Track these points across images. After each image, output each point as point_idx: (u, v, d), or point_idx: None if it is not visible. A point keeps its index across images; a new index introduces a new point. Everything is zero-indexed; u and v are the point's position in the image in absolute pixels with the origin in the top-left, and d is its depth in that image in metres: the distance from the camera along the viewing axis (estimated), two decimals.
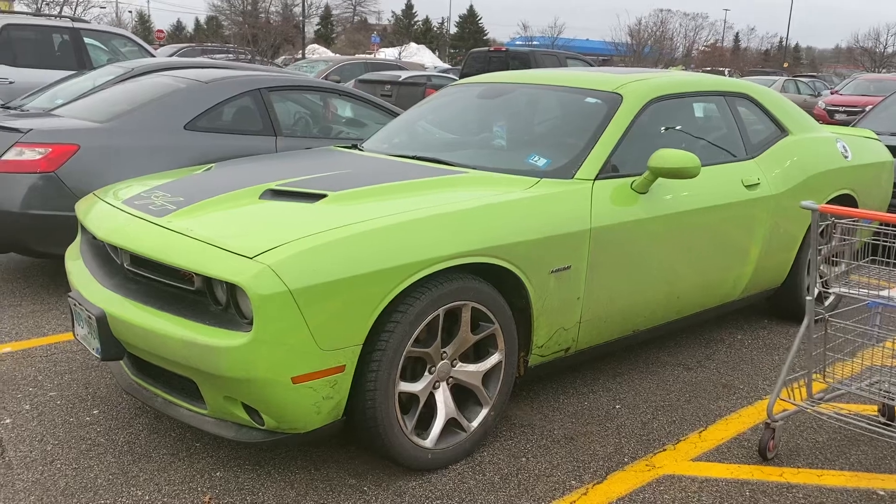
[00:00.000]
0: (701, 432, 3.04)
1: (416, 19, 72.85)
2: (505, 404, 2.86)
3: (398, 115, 5.71)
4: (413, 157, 3.40)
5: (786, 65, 58.22)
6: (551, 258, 2.82)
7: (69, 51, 8.93)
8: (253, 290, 2.18)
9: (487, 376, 2.79)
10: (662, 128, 3.47)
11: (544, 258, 2.80)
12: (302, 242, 2.31)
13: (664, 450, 2.89)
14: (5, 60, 8.37)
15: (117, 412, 3.03)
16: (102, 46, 9.59)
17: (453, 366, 2.69)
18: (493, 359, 2.78)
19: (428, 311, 2.50)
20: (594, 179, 3.06)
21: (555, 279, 2.85)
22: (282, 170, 3.21)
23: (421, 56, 38.15)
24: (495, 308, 2.70)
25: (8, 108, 6.23)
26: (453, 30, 71.97)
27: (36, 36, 8.72)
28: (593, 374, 3.56)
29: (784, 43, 75.46)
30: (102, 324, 2.53)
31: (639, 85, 3.45)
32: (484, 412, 2.78)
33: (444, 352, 2.64)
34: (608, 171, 3.13)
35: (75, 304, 2.69)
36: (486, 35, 70.60)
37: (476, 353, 2.78)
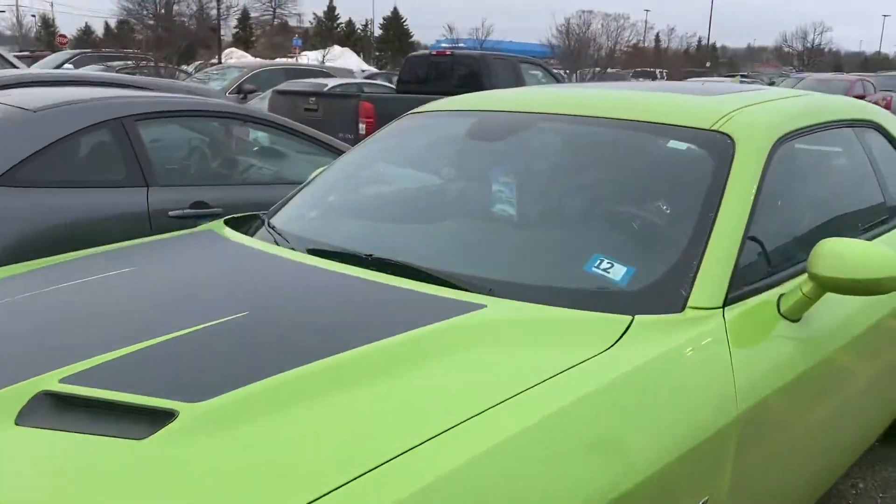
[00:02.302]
0: None
1: (338, 21, 70.53)
2: None
3: (327, 144, 4.15)
4: (367, 259, 1.84)
5: (708, 64, 58.40)
6: (678, 496, 1.34)
7: None
8: None
9: None
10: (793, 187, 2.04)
11: (667, 499, 1.32)
12: None
13: None
14: None
15: None
16: None
17: None
18: None
19: None
20: (723, 307, 1.60)
21: None
22: (89, 315, 1.57)
23: (346, 59, 36.25)
24: None
25: None
26: (378, 32, 70.10)
27: None
28: None
29: (705, 43, 76.47)
30: None
31: (752, 116, 2.00)
32: None
33: None
34: (739, 285, 1.67)
35: None
36: (411, 37, 68.89)
37: None
